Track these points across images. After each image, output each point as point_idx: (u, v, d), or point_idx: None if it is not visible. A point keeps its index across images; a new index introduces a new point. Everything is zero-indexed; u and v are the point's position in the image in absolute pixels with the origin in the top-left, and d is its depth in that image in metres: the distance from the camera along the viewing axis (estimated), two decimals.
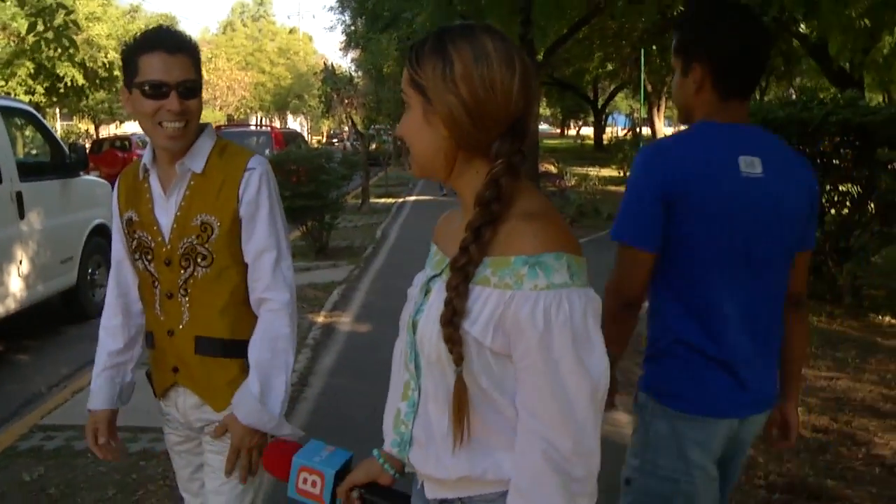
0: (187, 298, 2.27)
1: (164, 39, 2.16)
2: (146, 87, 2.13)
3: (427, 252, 1.69)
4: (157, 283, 2.31)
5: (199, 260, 2.24)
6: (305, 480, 1.69)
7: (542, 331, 1.33)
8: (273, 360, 2.23)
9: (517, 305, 1.35)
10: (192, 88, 2.16)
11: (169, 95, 2.13)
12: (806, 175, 2.29)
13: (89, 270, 8.45)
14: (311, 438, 1.78)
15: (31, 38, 4.74)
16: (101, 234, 8.60)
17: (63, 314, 8.47)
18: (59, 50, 4.87)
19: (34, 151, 9.29)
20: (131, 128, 42.20)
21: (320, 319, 8.01)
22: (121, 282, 2.47)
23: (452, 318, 1.40)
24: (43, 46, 4.75)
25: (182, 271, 2.26)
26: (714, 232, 2.10)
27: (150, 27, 2.27)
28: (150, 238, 2.29)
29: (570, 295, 1.34)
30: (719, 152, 2.15)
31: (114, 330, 2.49)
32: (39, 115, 8.62)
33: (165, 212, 2.28)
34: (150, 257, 2.30)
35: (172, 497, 4.22)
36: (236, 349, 2.28)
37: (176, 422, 2.44)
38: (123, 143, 27.11)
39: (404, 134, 1.52)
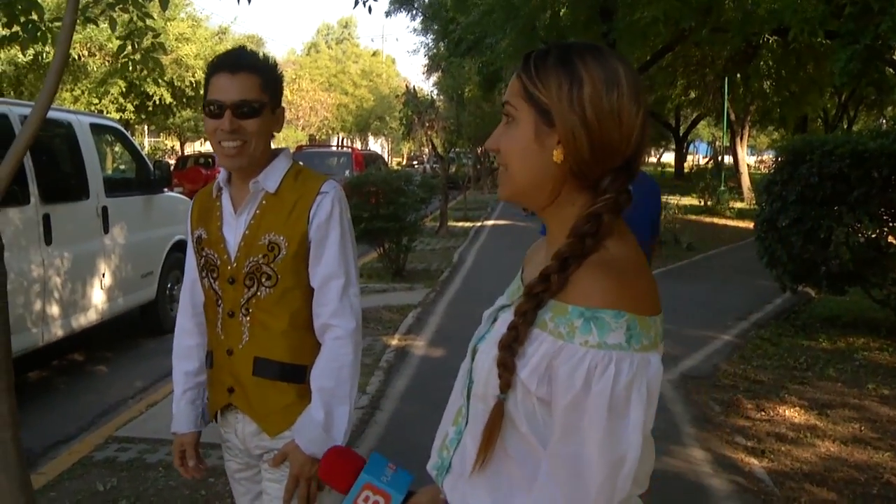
0: (248, 318, 2.25)
1: (229, 60, 2.18)
2: (208, 107, 2.16)
3: (505, 277, 1.61)
4: (220, 301, 2.30)
5: (263, 280, 2.22)
6: (367, 499, 1.60)
7: (577, 392, 1.24)
8: (337, 389, 2.20)
9: (562, 358, 1.26)
10: (250, 108, 2.15)
11: (224, 115, 2.14)
12: (656, 187, 3.88)
13: (168, 285, 8.61)
14: (374, 452, 1.72)
15: (121, 60, 4.83)
16: (181, 250, 8.76)
17: (141, 328, 8.64)
18: (146, 71, 4.97)
19: (121, 167, 9.52)
20: None
21: (394, 342, 7.99)
22: (195, 302, 2.47)
23: (512, 344, 1.33)
24: (130, 68, 4.84)
25: (245, 290, 2.24)
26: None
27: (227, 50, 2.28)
28: (216, 256, 2.29)
29: (620, 359, 1.24)
30: None
31: (188, 350, 2.49)
32: (126, 132, 8.85)
33: (234, 230, 2.27)
34: (215, 275, 2.30)
35: None
36: (295, 374, 2.25)
37: (235, 448, 2.41)
38: (207, 160, 27.69)
39: (504, 149, 1.41)
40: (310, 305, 2.25)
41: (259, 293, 2.23)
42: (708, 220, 21.61)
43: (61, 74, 3.18)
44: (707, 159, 43.58)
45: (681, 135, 45.88)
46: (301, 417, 2.21)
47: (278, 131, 2.27)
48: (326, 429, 2.16)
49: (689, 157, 53.60)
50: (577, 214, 1.35)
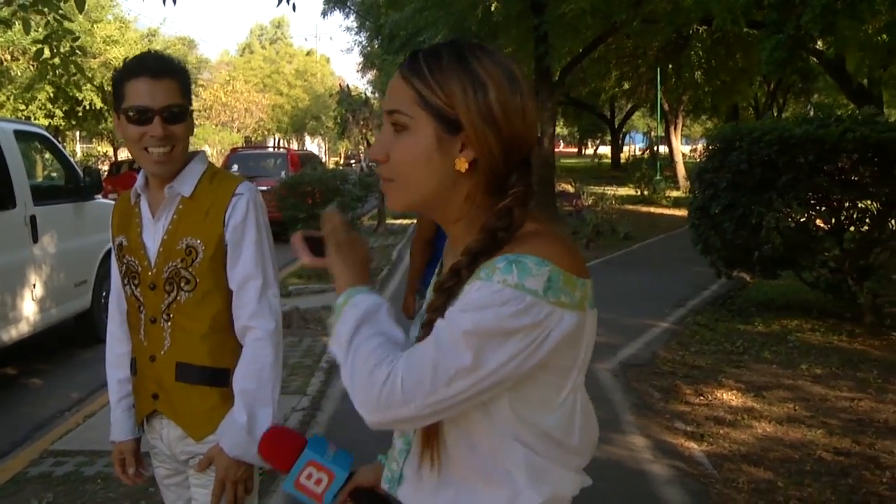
0: (169, 324, 2.24)
1: (149, 64, 2.15)
2: (131, 113, 2.13)
3: None
4: (142, 307, 2.28)
5: (182, 284, 2.21)
6: (310, 476, 1.58)
7: (471, 315, 1.23)
8: (259, 391, 2.18)
9: (476, 290, 1.25)
10: (177, 113, 2.15)
11: (153, 121, 2.12)
12: None
13: (103, 294, 8.40)
14: (315, 434, 1.69)
15: (39, 65, 4.74)
16: None
17: (76, 337, 8.46)
18: (66, 77, 4.87)
19: (50, 175, 9.32)
20: None
21: None
22: (122, 309, 2.44)
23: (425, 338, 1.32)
24: (51, 73, 4.75)
25: (166, 296, 2.23)
26: None
27: (137, 53, 2.27)
28: (137, 262, 2.28)
29: (530, 305, 1.22)
30: None
31: (120, 358, 2.45)
32: (53, 139, 8.66)
33: (153, 236, 2.26)
34: (136, 282, 2.28)
35: None
36: (217, 377, 2.24)
37: (163, 454, 2.39)
38: None
39: (396, 159, 1.35)
40: (230, 308, 2.24)
41: (179, 298, 2.22)
42: (645, 209, 21.94)
43: None
44: (643, 150, 44.12)
45: (616, 126, 46.44)
46: (224, 421, 2.20)
47: (192, 134, 2.25)
48: (249, 431, 2.15)
49: (626, 148, 54.23)
50: (484, 214, 1.34)
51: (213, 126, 42.96)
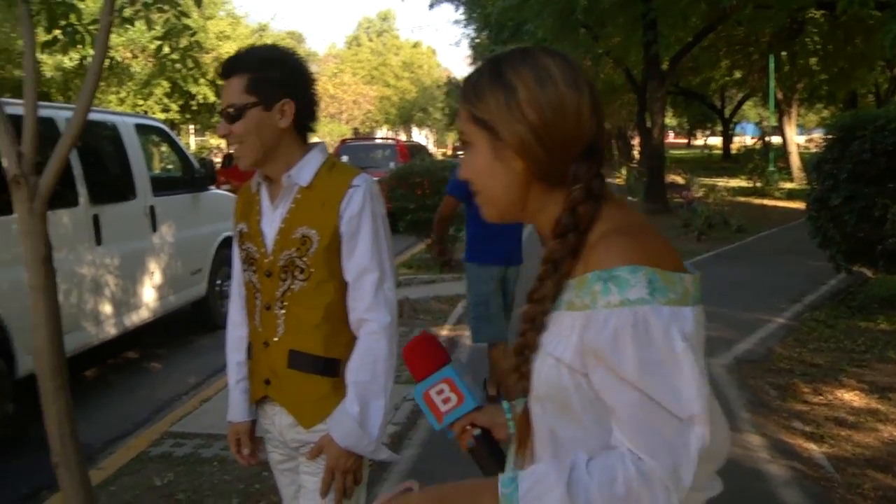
0: (283, 311, 2.26)
1: (223, 66, 2.21)
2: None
3: None
4: (258, 294, 2.31)
5: (297, 273, 2.22)
6: (441, 392, 1.58)
7: (609, 354, 1.20)
8: (372, 383, 2.19)
9: (591, 327, 1.23)
10: (232, 114, 2.18)
11: (221, 121, 2.21)
12: None
13: (218, 282, 8.69)
14: (456, 359, 1.67)
15: (159, 60, 4.89)
16: (229, 247, 8.84)
17: (193, 324, 8.75)
18: (185, 70, 5.02)
19: (167, 167, 9.64)
20: None
21: (444, 332, 7.98)
22: (242, 294, 2.48)
23: (524, 350, 1.33)
24: (169, 67, 4.90)
25: (281, 283, 2.25)
26: None
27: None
28: (255, 249, 2.31)
29: (646, 313, 1.19)
30: None
31: (239, 342, 2.50)
32: (171, 132, 8.95)
33: (270, 224, 2.28)
34: (254, 268, 2.31)
35: None
36: (328, 367, 2.25)
37: (276, 440, 2.42)
38: None
39: (471, 177, 1.42)
40: (344, 299, 2.25)
41: (293, 286, 2.23)
42: (757, 201, 21.32)
43: (100, 75, 3.21)
44: (754, 140, 42.85)
45: (727, 116, 45.26)
46: (336, 411, 2.20)
47: (285, 125, 2.21)
48: (361, 423, 2.16)
49: (737, 139, 52.82)
50: (557, 213, 1.35)
51: (322, 118, 43.94)
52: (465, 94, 1.39)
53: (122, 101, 27.93)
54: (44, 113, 3.31)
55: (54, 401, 3.20)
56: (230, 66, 2.20)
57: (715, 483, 1.36)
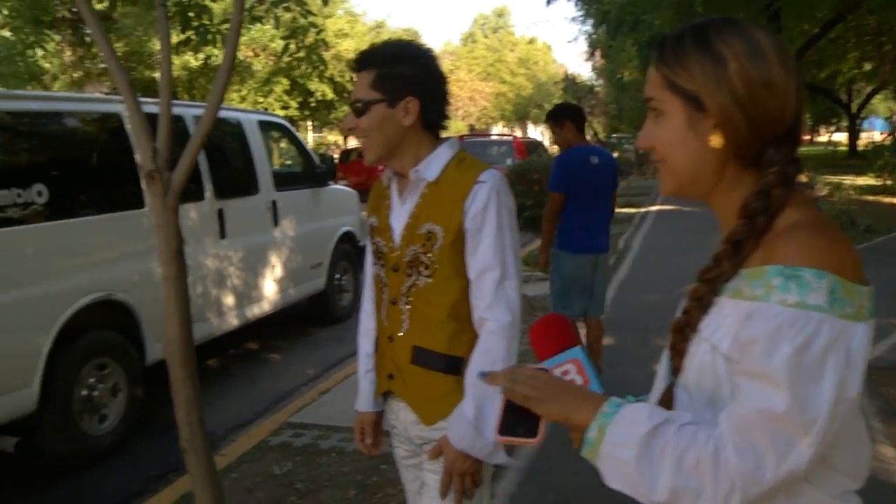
0: (409, 307, 2.25)
1: (355, 59, 2.24)
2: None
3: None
4: (385, 288, 2.32)
5: (421, 269, 2.22)
6: (567, 373, 1.49)
7: (761, 344, 1.15)
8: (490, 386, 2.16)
9: (756, 318, 1.17)
10: (359, 108, 2.19)
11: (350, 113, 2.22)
12: (612, 159, 6.19)
13: (337, 276, 8.86)
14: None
15: (285, 58, 5.03)
16: (348, 241, 9.04)
17: (311, 317, 8.93)
18: (311, 68, 5.14)
19: (287, 162, 9.85)
20: None
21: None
22: (373, 286, 2.50)
23: (684, 329, 1.28)
24: (295, 65, 5.04)
25: (406, 279, 2.25)
26: (583, 185, 4.73)
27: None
28: (383, 243, 2.32)
29: (820, 321, 1.13)
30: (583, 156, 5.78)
31: (369, 332, 2.52)
32: (292, 128, 9.15)
33: (399, 218, 2.29)
34: (382, 262, 2.33)
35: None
36: (452, 365, 2.23)
37: (401, 435, 2.43)
38: None
39: (657, 146, 1.36)
40: (468, 297, 2.23)
41: (419, 282, 2.23)
42: (888, 200, 20.37)
43: (230, 73, 3.30)
44: (884, 136, 41.03)
45: (854, 111, 43.47)
46: (453, 412, 2.19)
47: (409, 123, 2.21)
48: (477, 426, 2.13)
49: (864, 135, 50.67)
50: (745, 195, 1.29)
51: None
52: (662, 59, 1.33)
53: (243, 99, 28.76)
54: (173, 111, 3.43)
55: (183, 388, 3.31)
56: (361, 61, 2.21)
57: (852, 500, 1.31)
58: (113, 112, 5.93)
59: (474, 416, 2.13)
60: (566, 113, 5.98)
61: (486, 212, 2.17)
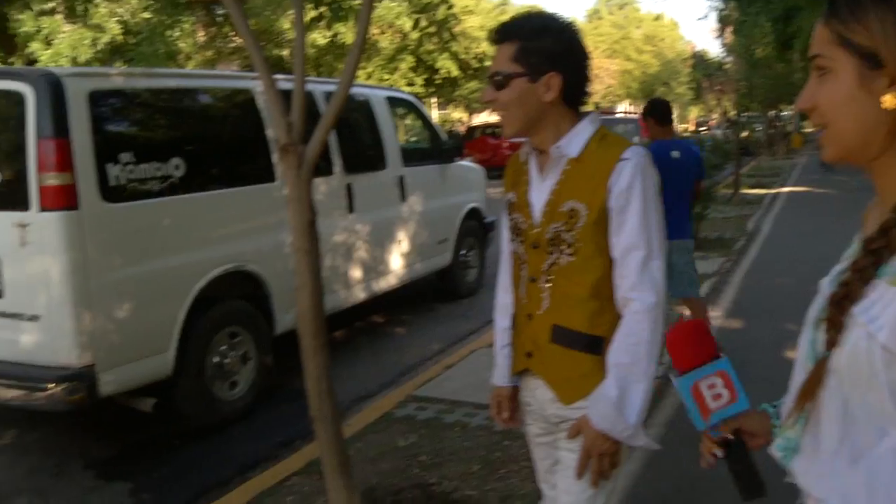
0: (549, 285, 2.21)
1: (495, 30, 2.19)
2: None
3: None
4: (524, 265, 2.29)
5: (563, 247, 2.17)
6: (713, 386, 1.45)
7: None
8: (633, 366, 2.10)
9: None
10: (498, 81, 2.15)
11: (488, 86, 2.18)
12: (695, 151, 6.21)
13: (462, 252, 8.90)
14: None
15: (415, 34, 5.03)
16: (474, 218, 9.05)
17: (436, 293, 9.01)
18: (440, 43, 5.14)
19: (414, 138, 9.93)
20: None
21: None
22: (510, 261, 2.47)
23: (842, 301, 1.20)
24: (424, 41, 5.05)
25: (547, 256, 2.20)
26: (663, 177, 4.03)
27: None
28: (522, 220, 2.28)
29: None
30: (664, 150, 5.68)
31: (506, 308, 2.49)
32: (420, 104, 9.20)
33: (539, 195, 2.24)
34: (521, 239, 2.29)
35: (534, 479, 4.27)
36: (592, 344, 2.18)
37: (535, 413, 2.40)
38: (494, 130, 28.40)
39: (822, 105, 1.26)
40: (612, 276, 2.17)
41: (560, 260, 2.18)
42: None
43: (362, 50, 3.31)
44: None
45: None
46: (595, 392, 2.14)
47: (550, 99, 2.15)
48: (619, 407, 2.08)
49: None
50: None
51: None
52: (834, 14, 1.24)
53: (368, 76, 29.14)
54: (308, 87, 3.50)
55: (314, 358, 3.38)
56: (503, 32, 2.17)
57: None
58: (245, 88, 6.09)
59: (617, 397, 2.09)
60: (646, 110, 6.19)
61: (631, 190, 2.11)
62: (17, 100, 4.68)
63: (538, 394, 2.33)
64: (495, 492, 4.21)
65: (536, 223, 2.23)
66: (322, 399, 3.43)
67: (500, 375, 2.49)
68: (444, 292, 8.95)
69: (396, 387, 6.09)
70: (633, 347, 2.10)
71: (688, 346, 1.50)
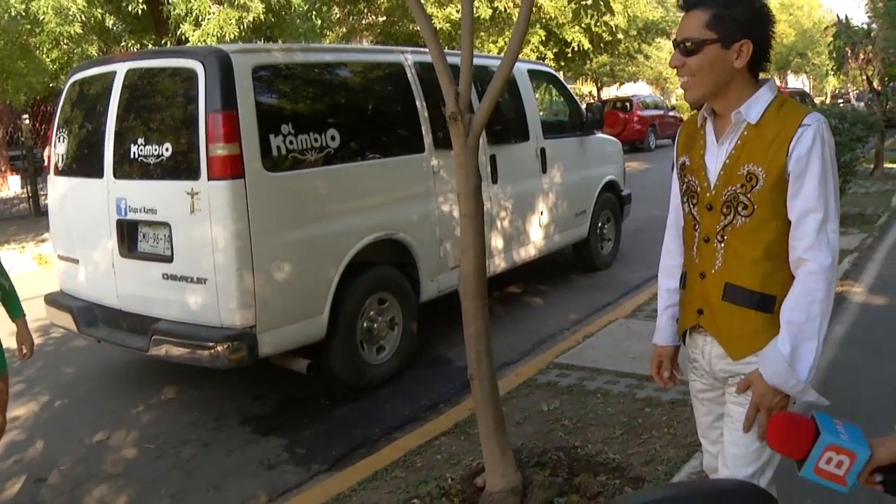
0: (723, 245, 2.30)
1: None
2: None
3: None
4: (697, 226, 2.38)
5: (739, 209, 2.25)
6: (830, 460, 1.52)
7: None
8: (806, 324, 2.16)
9: None
10: (688, 47, 2.21)
11: (675, 52, 2.24)
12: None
13: (599, 224, 8.93)
14: (817, 412, 1.61)
15: (570, 7, 5.11)
16: (611, 190, 9.06)
17: (572, 264, 9.06)
18: (598, 14, 5.20)
19: (554, 111, 9.95)
20: (632, 89, 43.56)
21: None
22: (679, 225, 2.57)
23: None
24: (582, 14, 5.10)
25: (722, 218, 2.29)
26: None
27: None
28: (697, 182, 2.36)
29: None
30: None
31: (671, 269, 2.60)
32: (560, 77, 9.23)
33: (715, 158, 2.32)
34: (694, 201, 2.38)
35: (676, 445, 4.33)
36: (763, 303, 2.26)
37: (702, 369, 2.48)
38: (625, 104, 28.08)
39: None
40: (786, 237, 2.24)
41: (735, 221, 2.27)
42: None
43: (528, 22, 3.40)
44: None
45: None
46: (767, 348, 2.22)
47: (740, 66, 2.22)
48: (791, 363, 2.16)
49: None
50: None
51: None
52: None
53: (501, 50, 29.07)
54: (453, 60, 3.62)
55: (474, 319, 3.53)
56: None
57: None
58: (396, 62, 6.26)
59: (789, 353, 2.16)
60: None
61: (811, 155, 2.17)
62: (188, 76, 4.98)
63: (707, 350, 2.42)
64: (638, 455, 4.29)
65: (712, 186, 2.32)
66: (480, 358, 3.58)
67: (663, 335, 2.61)
68: (580, 264, 9.01)
69: (536, 355, 6.21)
70: (807, 306, 2.17)
71: (791, 442, 1.57)
